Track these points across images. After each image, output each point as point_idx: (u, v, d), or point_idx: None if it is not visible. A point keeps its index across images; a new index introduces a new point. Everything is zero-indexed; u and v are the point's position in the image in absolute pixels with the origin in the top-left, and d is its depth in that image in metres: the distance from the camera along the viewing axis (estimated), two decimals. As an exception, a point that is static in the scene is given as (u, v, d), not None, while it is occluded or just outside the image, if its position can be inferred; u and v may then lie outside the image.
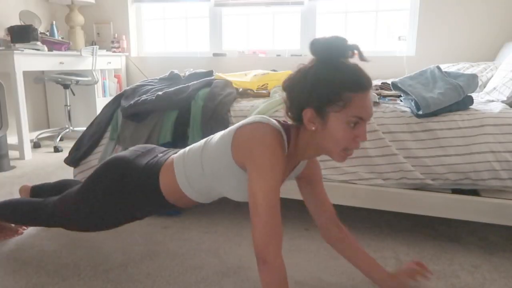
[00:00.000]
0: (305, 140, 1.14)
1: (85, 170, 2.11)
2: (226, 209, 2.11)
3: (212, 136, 1.24)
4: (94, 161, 2.08)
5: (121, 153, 1.40)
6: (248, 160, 1.06)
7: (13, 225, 1.74)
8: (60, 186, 1.76)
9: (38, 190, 1.84)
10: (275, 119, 1.18)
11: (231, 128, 1.17)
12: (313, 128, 1.08)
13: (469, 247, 1.68)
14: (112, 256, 1.58)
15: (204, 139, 1.26)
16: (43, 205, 1.49)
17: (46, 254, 1.59)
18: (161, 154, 1.36)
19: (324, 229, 1.37)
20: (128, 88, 2.20)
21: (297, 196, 1.79)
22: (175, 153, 1.33)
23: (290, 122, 1.17)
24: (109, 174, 1.33)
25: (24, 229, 1.78)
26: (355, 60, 1.10)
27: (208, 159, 1.18)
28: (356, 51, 1.08)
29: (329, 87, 1.04)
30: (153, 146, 1.47)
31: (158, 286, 1.37)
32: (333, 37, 1.07)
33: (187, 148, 1.28)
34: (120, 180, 1.30)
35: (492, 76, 2.41)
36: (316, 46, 1.09)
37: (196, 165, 1.20)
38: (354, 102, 1.03)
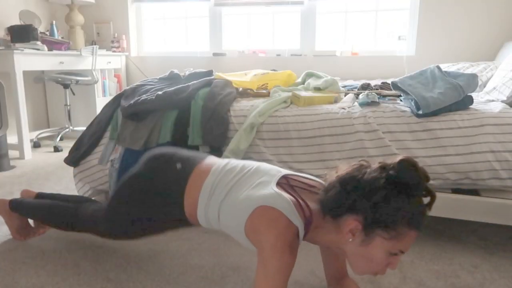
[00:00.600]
0: (329, 238, 1.09)
1: (85, 169, 2.11)
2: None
3: (237, 180, 1.18)
4: (94, 160, 2.08)
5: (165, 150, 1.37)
6: (258, 250, 1.04)
7: (32, 226, 1.77)
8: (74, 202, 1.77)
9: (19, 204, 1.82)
10: (294, 197, 1.09)
11: (251, 200, 1.09)
12: (350, 239, 1.03)
13: (469, 247, 1.68)
14: (112, 256, 1.58)
15: (231, 179, 1.19)
16: (82, 210, 1.51)
17: (46, 254, 1.60)
18: (179, 166, 1.31)
19: (330, 278, 1.33)
20: (128, 87, 2.19)
21: (297, 196, 1.79)
22: (200, 161, 1.30)
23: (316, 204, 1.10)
24: (137, 187, 1.33)
25: (43, 231, 1.78)
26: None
27: (224, 217, 1.16)
28: (430, 197, 1.02)
29: (393, 212, 0.98)
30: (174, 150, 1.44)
31: (158, 286, 1.37)
32: (423, 173, 1.00)
33: (217, 179, 1.21)
34: (150, 191, 1.30)
35: (492, 75, 2.41)
36: (404, 171, 0.99)
37: (214, 210, 1.18)
38: (406, 237, 1.00)
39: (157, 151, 1.38)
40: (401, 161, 1.00)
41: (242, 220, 1.09)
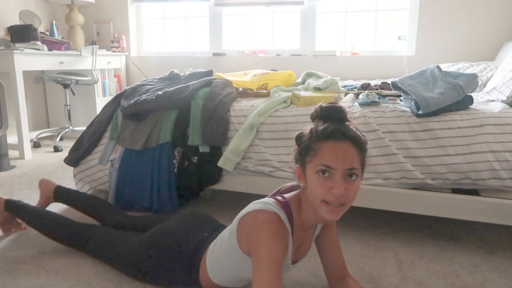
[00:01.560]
0: (306, 203, 1.13)
1: (85, 169, 2.11)
2: (226, 208, 2.11)
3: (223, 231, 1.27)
4: (94, 160, 2.08)
5: (176, 227, 1.40)
6: (251, 249, 1.08)
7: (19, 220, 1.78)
8: (92, 205, 1.78)
9: (62, 195, 1.87)
10: (272, 198, 1.16)
11: (236, 218, 1.17)
12: (302, 184, 1.10)
13: (469, 247, 1.68)
14: (112, 256, 1.58)
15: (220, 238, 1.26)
16: (91, 233, 1.53)
17: (46, 254, 1.59)
18: (206, 235, 1.36)
19: (331, 278, 1.33)
20: (128, 87, 2.20)
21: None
22: (216, 237, 1.34)
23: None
24: (160, 248, 1.34)
25: (25, 226, 1.80)
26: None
27: (226, 258, 1.20)
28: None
29: (307, 139, 1.08)
30: (207, 217, 1.48)
31: (158, 286, 1.37)
32: (333, 104, 1.10)
33: (218, 239, 1.27)
34: (171, 258, 1.32)
35: (492, 75, 2.41)
36: (320, 111, 1.11)
37: (219, 260, 1.23)
38: (322, 150, 1.03)
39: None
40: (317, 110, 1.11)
41: (233, 240, 1.15)
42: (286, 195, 1.17)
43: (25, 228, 1.80)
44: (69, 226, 1.57)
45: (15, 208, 1.67)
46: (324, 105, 1.10)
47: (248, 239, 1.09)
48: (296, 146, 1.12)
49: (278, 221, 1.07)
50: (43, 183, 1.91)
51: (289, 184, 1.27)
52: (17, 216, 1.67)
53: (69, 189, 1.89)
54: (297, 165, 1.11)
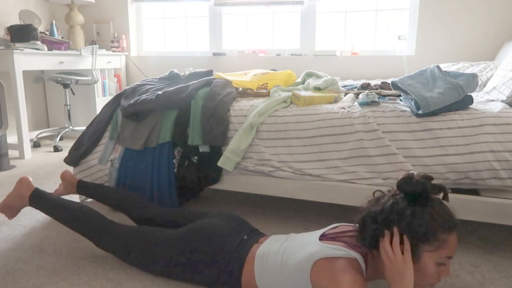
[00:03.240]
0: (378, 264, 1.14)
1: (84, 169, 2.11)
2: (226, 208, 2.11)
3: (285, 247, 1.25)
4: (93, 160, 2.08)
5: (217, 224, 1.39)
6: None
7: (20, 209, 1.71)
8: (121, 199, 1.76)
9: (85, 188, 1.87)
10: (347, 243, 1.16)
11: (309, 255, 1.16)
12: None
13: (469, 247, 1.68)
14: (112, 256, 1.57)
15: (279, 248, 1.26)
16: (120, 231, 1.47)
17: (46, 254, 1.60)
18: (246, 237, 1.37)
19: None
20: (128, 87, 2.19)
21: (296, 195, 1.79)
22: (257, 240, 1.36)
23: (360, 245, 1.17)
24: (200, 244, 1.34)
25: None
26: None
27: (285, 280, 1.20)
28: (441, 191, 1.11)
29: (426, 225, 1.05)
30: (242, 219, 1.48)
31: (158, 286, 1.37)
32: (422, 177, 1.09)
33: (266, 249, 1.28)
34: (213, 253, 1.32)
35: (492, 75, 2.41)
36: (405, 184, 1.10)
37: (274, 277, 1.22)
38: (448, 242, 1.06)
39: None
40: (399, 181, 1.10)
41: (306, 280, 1.14)
42: (357, 246, 1.16)
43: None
44: (98, 221, 1.50)
45: (39, 201, 1.61)
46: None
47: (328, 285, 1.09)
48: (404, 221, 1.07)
49: (358, 267, 1.10)
50: (65, 176, 1.90)
51: (341, 227, 1.25)
52: (41, 209, 1.61)
53: (92, 183, 1.89)
54: (403, 237, 1.07)
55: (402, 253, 1.06)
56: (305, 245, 1.21)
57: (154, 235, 1.41)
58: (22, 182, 1.66)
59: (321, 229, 1.30)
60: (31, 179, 1.67)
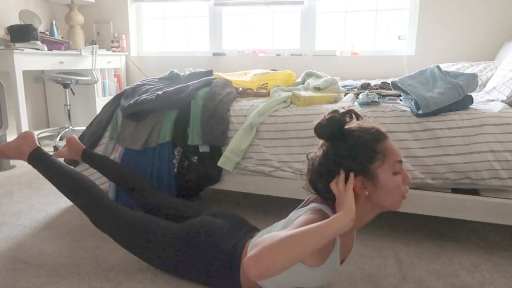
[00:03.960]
0: (360, 208, 1.15)
1: (84, 169, 2.11)
2: (225, 208, 2.11)
3: (269, 231, 1.26)
4: (94, 160, 2.08)
5: (216, 222, 1.39)
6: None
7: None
8: (125, 177, 1.74)
9: (91, 157, 1.85)
10: (321, 203, 1.17)
11: (287, 222, 1.18)
12: (367, 193, 1.11)
13: (469, 247, 1.68)
14: (112, 256, 1.58)
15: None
16: (120, 210, 1.45)
17: (46, 254, 1.60)
18: (243, 234, 1.37)
19: None
20: (128, 87, 2.19)
21: (296, 195, 1.79)
22: (252, 236, 1.35)
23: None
24: (198, 241, 1.33)
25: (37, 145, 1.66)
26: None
27: None
28: (351, 115, 1.16)
29: (363, 148, 1.10)
30: (240, 218, 1.48)
31: (158, 286, 1.37)
32: (329, 115, 1.14)
33: (254, 240, 1.27)
34: (212, 250, 1.31)
35: (492, 75, 2.41)
36: (320, 130, 1.15)
37: None
38: (388, 149, 1.11)
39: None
40: (314, 130, 1.16)
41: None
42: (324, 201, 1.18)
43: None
44: (100, 197, 1.48)
45: (39, 161, 1.56)
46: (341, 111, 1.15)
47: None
48: (342, 160, 1.11)
49: (321, 213, 1.11)
50: (71, 142, 1.87)
51: (313, 196, 1.27)
52: (38, 169, 1.57)
53: (100, 154, 1.87)
54: (356, 175, 1.10)
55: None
56: (285, 222, 1.21)
57: (158, 224, 1.40)
58: (26, 137, 1.60)
59: None
60: (36, 136, 1.61)
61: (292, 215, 1.21)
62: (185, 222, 1.41)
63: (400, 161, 1.11)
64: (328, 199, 1.16)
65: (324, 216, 1.11)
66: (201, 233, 1.34)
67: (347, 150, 1.11)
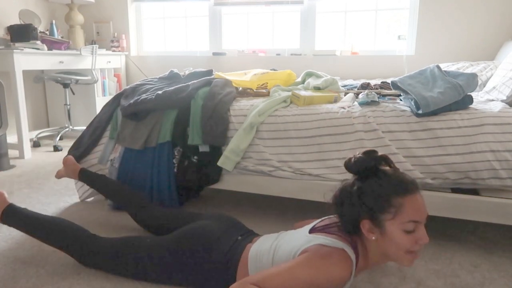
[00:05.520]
0: (373, 249, 1.15)
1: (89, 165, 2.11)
2: (225, 208, 2.11)
3: (276, 244, 1.25)
4: (93, 160, 2.08)
5: (210, 226, 1.38)
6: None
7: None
8: (122, 194, 1.77)
9: (88, 176, 1.90)
10: (337, 234, 1.15)
11: (298, 246, 1.16)
12: (373, 237, 1.10)
13: (469, 246, 1.68)
14: (112, 256, 1.58)
15: (271, 245, 1.25)
16: (96, 240, 1.43)
17: (46, 254, 1.59)
18: (240, 238, 1.37)
19: None
20: (127, 87, 2.19)
21: (297, 195, 1.79)
22: (251, 240, 1.36)
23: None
24: (192, 247, 1.32)
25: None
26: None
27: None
28: (387, 162, 1.15)
29: (377, 196, 1.08)
30: (235, 221, 1.48)
31: (158, 286, 1.37)
32: (365, 153, 1.13)
33: (259, 248, 1.27)
34: (206, 255, 1.30)
35: (491, 75, 2.41)
36: (352, 166, 1.14)
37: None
38: (405, 206, 1.07)
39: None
40: (346, 164, 1.16)
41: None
42: (346, 236, 1.16)
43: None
44: (77, 233, 1.45)
45: (12, 218, 1.51)
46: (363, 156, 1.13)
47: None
48: (351, 202, 1.12)
49: (346, 258, 1.08)
50: (67, 162, 1.94)
51: (327, 220, 1.25)
52: (14, 226, 1.52)
53: (95, 173, 1.92)
54: (364, 220, 1.10)
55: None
56: (295, 239, 1.21)
57: (144, 241, 1.39)
58: None
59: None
60: (6, 195, 1.55)
61: (300, 233, 1.20)
62: (179, 230, 1.40)
63: (416, 221, 1.07)
64: (347, 230, 1.15)
65: (347, 261, 1.07)
66: (194, 239, 1.33)
67: (362, 191, 1.11)
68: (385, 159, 1.14)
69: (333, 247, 1.10)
